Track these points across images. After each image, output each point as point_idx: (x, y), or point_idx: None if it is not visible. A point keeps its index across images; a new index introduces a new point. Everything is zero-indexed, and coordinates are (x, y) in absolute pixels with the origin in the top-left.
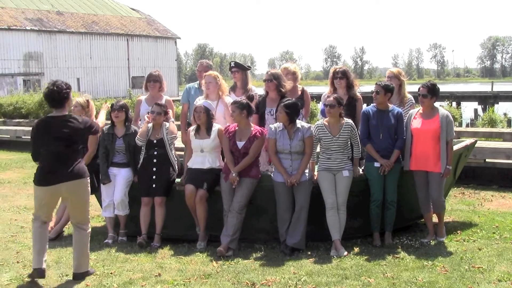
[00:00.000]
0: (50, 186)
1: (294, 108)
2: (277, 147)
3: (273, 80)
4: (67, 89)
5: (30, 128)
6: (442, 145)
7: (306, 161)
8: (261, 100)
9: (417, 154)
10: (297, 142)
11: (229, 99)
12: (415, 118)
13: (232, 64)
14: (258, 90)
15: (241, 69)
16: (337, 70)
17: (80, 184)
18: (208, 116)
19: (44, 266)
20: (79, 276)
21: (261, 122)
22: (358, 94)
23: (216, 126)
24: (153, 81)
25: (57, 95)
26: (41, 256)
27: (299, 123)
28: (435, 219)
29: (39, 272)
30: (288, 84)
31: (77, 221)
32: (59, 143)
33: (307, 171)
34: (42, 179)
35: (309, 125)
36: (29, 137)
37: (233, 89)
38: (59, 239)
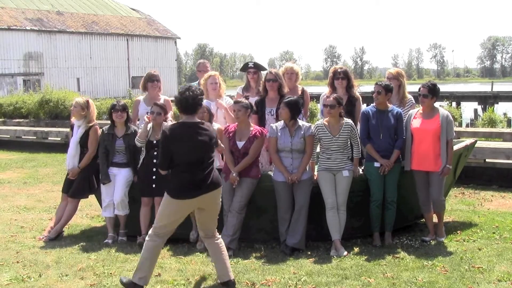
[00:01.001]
0: (192, 198)
1: (296, 105)
2: (278, 145)
3: (277, 80)
4: (201, 95)
5: (30, 128)
6: (442, 144)
7: (306, 159)
8: (260, 101)
9: (417, 154)
10: (298, 140)
11: (229, 100)
12: (415, 118)
13: (251, 65)
14: None
15: (259, 69)
16: (338, 70)
17: (218, 194)
18: (210, 116)
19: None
20: (230, 284)
21: (261, 122)
22: (358, 94)
23: (215, 126)
24: (156, 81)
25: (192, 101)
26: (151, 271)
27: (300, 122)
28: (435, 219)
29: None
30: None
31: (210, 232)
32: (200, 151)
33: (307, 170)
34: (184, 191)
35: (310, 124)
36: (30, 138)
37: (246, 89)
38: (59, 239)
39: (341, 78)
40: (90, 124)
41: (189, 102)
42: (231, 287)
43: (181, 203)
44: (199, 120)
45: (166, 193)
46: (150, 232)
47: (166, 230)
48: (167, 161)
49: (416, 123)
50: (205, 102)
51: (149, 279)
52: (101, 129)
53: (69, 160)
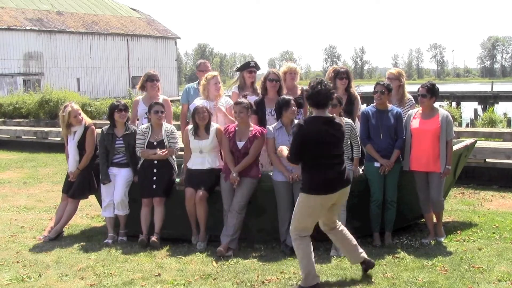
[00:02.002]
0: (334, 193)
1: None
2: (277, 146)
3: (279, 81)
4: (333, 89)
5: (30, 128)
6: (442, 145)
7: None
8: (259, 101)
9: (416, 154)
10: None
11: (228, 99)
12: (414, 118)
13: (253, 64)
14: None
15: (257, 69)
16: (342, 70)
17: (348, 190)
18: (209, 116)
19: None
20: (370, 264)
21: (261, 123)
22: (356, 93)
23: (214, 126)
24: (156, 81)
25: (325, 95)
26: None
27: (296, 120)
28: (435, 219)
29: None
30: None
31: (333, 223)
32: (337, 146)
33: None
34: (327, 186)
35: None
36: (30, 138)
37: (242, 88)
38: (59, 239)
39: (345, 78)
40: (86, 125)
41: (321, 96)
42: (370, 266)
43: (323, 198)
44: (331, 115)
45: (304, 193)
46: (293, 236)
47: (308, 230)
48: (299, 154)
49: (415, 123)
50: (204, 102)
51: (316, 275)
52: (100, 129)
53: (70, 165)
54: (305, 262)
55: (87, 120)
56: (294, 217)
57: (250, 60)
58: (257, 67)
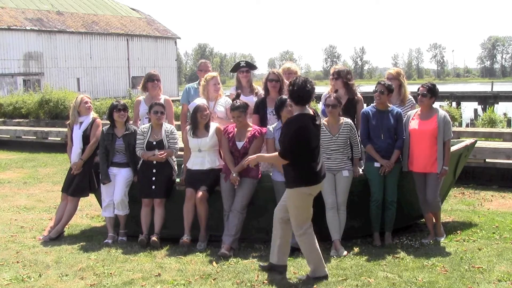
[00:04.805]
0: (319, 184)
1: None
2: (277, 146)
3: (279, 81)
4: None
5: (30, 128)
6: (439, 145)
7: None
8: (261, 101)
9: (414, 155)
10: None
11: (228, 100)
12: (413, 119)
13: (243, 64)
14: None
15: (251, 68)
16: (334, 70)
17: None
18: (209, 115)
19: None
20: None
21: (263, 122)
22: (359, 95)
23: (214, 125)
24: (157, 80)
25: (312, 93)
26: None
27: None
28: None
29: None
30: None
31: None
32: (318, 139)
33: None
34: (315, 177)
35: None
36: (30, 138)
37: (240, 89)
38: (59, 239)
39: (335, 79)
40: (93, 118)
41: (310, 94)
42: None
43: (312, 188)
44: (312, 112)
45: (293, 188)
46: (297, 233)
47: (308, 221)
48: (293, 149)
49: (413, 124)
50: (204, 102)
51: (324, 266)
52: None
53: (74, 156)
54: (313, 255)
55: (94, 114)
56: (291, 216)
57: (240, 60)
58: (251, 66)
